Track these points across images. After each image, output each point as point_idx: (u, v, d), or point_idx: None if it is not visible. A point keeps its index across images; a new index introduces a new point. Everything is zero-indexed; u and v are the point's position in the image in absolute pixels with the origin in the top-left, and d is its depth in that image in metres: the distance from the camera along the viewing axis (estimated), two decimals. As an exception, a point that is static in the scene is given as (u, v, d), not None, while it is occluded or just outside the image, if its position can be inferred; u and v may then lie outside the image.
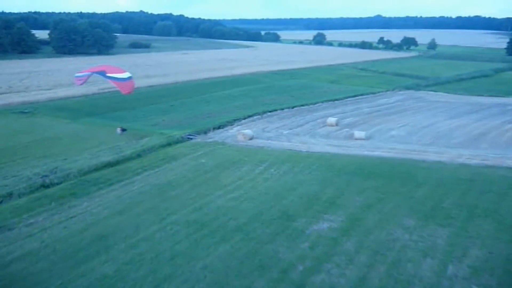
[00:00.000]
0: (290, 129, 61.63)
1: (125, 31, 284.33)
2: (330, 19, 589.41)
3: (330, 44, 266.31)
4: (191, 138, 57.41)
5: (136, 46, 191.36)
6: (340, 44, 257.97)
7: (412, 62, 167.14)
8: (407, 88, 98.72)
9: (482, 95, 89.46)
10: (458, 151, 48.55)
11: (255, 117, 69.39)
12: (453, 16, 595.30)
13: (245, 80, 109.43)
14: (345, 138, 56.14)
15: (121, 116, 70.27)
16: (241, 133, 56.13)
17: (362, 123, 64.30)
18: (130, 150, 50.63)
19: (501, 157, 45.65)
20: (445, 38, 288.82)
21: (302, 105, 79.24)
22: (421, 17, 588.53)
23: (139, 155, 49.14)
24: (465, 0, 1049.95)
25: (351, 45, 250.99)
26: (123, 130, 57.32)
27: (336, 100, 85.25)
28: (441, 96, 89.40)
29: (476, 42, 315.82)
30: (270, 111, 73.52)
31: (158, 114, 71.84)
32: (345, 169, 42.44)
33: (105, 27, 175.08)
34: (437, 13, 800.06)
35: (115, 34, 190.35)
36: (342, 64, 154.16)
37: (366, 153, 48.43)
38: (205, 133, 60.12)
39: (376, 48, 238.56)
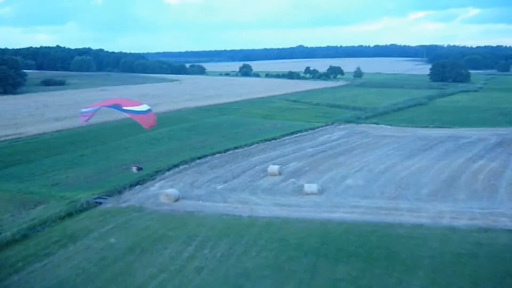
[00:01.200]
0: (225, 182, 50.83)
1: (39, 67, 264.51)
2: (254, 50, 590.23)
3: (257, 75, 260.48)
4: (101, 203, 45.16)
5: (49, 84, 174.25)
6: (267, 75, 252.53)
7: (343, 91, 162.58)
8: (347, 121, 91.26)
9: (428, 127, 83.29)
10: (435, 206, 39.72)
11: (181, 166, 58.08)
12: (371, 45, 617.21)
13: (170, 119, 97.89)
14: (293, 193, 45.92)
15: (15, 173, 56.56)
16: (164, 194, 44.55)
17: (309, 170, 54.67)
18: (14, 228, 37.85)
19: (490, 212, 37.32)
20: (367, 66, 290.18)
21: (236, 148, 68.98)
22: (341, 46, 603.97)
23: (25, 236, 36.63)
24: (381, 30, 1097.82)
25: (278, 75, 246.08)
26: (139, 169, 47.66)
27: (274, 139, 75.68)
28: (385, 130, 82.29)
29: (397, 69, 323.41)
30: (199, 158, 62.55)
31: (62, 167, 58.79)
32: (304, 246, 32.10)
33: (13, 63, 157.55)
34: (356, 42, 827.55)
35: (26, 70, 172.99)
36: (273, 96, 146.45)
37: (324, 215, 38.53)
38: (120, 192, 48.10)
39: (304, 78, 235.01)
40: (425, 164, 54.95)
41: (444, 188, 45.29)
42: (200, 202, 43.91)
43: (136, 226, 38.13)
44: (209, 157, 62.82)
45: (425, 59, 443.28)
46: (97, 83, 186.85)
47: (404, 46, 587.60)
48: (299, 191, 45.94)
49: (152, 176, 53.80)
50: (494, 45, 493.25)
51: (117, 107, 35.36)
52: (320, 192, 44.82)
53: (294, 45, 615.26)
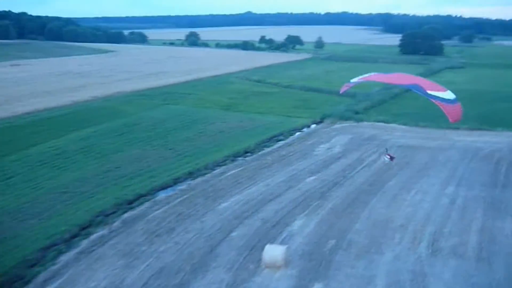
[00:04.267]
0: (180, 290, 24.79)
1: None
2: (200, 16, 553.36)
3: (206, 44, 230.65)
4: None
5: None
6: (218, 45, 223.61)
7: (311, 67, 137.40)
8: (342, 116, 66.20)
9: (459, 128, 59.43)
10: None
11: (96, 233, 31.29)
12: (322, 12, 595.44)
13: (93, 113, 69.92)
14: None
15: None
16: None
17: (335, 245, 28.98)
18: None
19: None
20: (324, 34, 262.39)
21: (191, 174, 42.95)
22: (292, 13, 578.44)
23: None
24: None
25: (230, 45, 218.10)
26: (392, 158, 37.39)
27: (247, 153, 50.06)
28: (403, 133, 57.76)
29: (355, 38, 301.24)
30: (130, 204, 36.04)
31: None
32: None
33: None
34: (306, 9, 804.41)
35: None
36: (230, 73, 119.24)
37: None
38: None
39: (260, 48, 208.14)
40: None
41: None
42: None
43: None
44: (146, 204, 36.20)
45: (380, 28, 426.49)
46: (11, 54, 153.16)
47: (356, 14, 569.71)
48: None
49: (33, 265, 27.11)
50: (444, 14, 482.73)
51: (417, 88, 27.44)
52: None
53: (242, 11, 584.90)
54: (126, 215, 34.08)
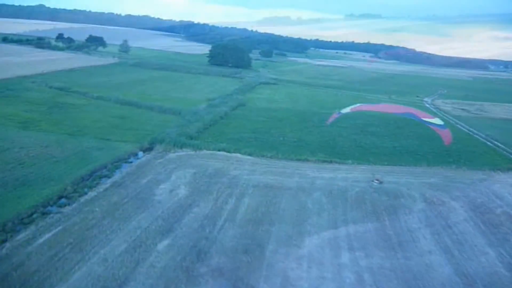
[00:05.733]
0: None
1: None
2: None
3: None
4: None
5: None
6: (6, 39, 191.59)
7: (120, 74, 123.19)
8: (174, 142, 55.61)
9: (308, 160, 53.71)
10: None
11: None
12: (123, 14, 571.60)
13: None
14: None
15: None
16: None
17: None
18: None
19: None
20: (125, 37, 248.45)
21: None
22: (90, 11, 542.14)
23: None
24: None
25: (21, 41, 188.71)
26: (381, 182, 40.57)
27: (62, 198, 36.77)
28: (252, 167, 49.10)
29: (159, 44, 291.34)
30: None
31: None
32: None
33: None
34: (105, 9, 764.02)
35: None
36: (24, 76, 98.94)
37: None
38: None
39: (57, 48, 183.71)
40: None
41: None
42: None
43: None
44: None
45: (183, 35, 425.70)
46: None
47: (158, 19, 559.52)
48: None
49: None
50: (240, 28, 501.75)
51: (413, 116, 30.27)
52: None
53: (33, 3, 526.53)
54: None
